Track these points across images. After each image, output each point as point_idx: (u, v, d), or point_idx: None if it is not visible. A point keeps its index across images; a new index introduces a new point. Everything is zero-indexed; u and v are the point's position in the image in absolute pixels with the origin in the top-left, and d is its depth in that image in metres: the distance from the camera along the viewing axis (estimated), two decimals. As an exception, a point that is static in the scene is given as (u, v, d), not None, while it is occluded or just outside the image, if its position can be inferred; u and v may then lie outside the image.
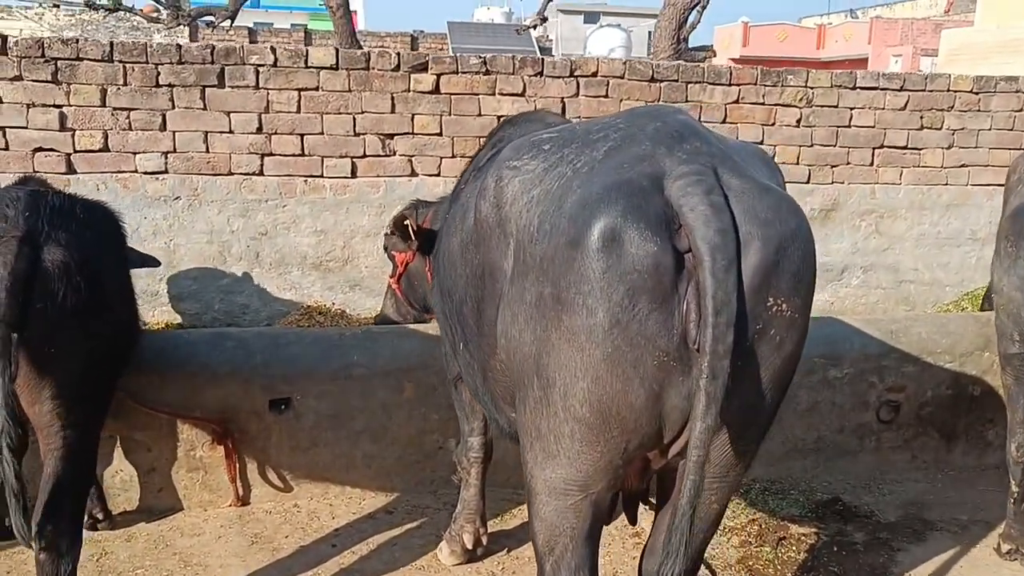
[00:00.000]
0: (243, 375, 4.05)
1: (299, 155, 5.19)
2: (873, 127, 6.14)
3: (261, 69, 5.05)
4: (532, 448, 2.22)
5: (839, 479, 4.53)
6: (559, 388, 2.08)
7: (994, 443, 4.61)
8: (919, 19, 29.91)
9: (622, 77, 5.59)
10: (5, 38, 4.84)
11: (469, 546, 3.72)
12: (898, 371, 4.54)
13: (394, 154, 5.30)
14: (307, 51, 5.14)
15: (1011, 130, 6.31)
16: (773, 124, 5.92)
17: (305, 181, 5.23)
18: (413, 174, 5.34)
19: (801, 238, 2.03)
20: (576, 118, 5.34)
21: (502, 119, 3.70)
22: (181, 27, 18.45)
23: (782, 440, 4.51)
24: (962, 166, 6.35)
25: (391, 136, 5.28)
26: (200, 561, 3.69)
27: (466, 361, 2.89)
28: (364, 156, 5.27)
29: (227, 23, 18.19)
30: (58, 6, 20.68)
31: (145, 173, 5.03)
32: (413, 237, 3.99)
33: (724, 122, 5.78)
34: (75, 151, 4.94)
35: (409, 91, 5.25)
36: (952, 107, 6.22)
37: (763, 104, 5.86)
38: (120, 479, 4.03)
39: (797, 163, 6.04)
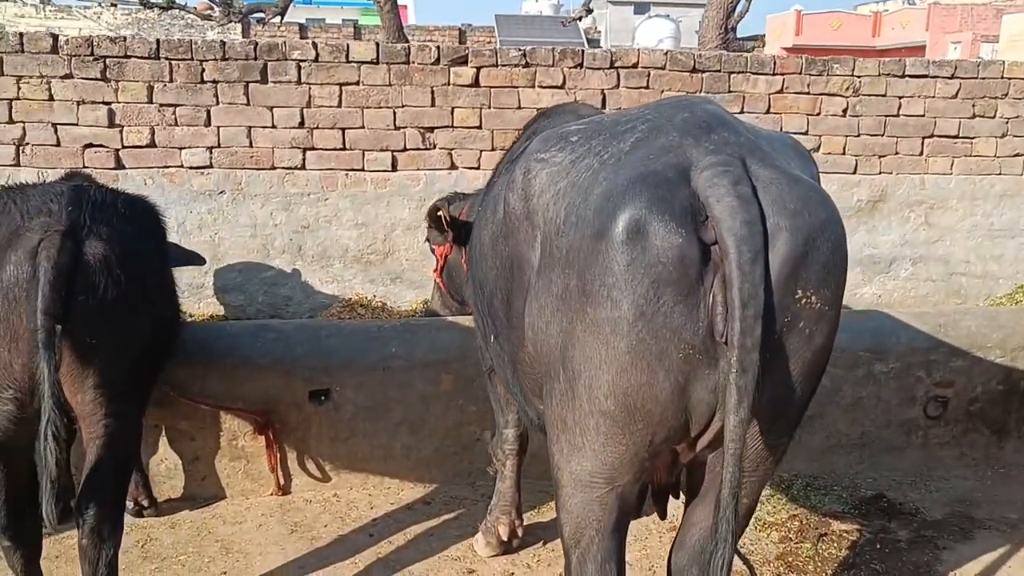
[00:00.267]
0: (284, 367, 4.11)
1: (340, 149, 5.24)
2: (923, 116, 5.99)
3: (303, 64, 5.11)
4: (558, 440, 2.22)
5: (884, 475, 4.44)
6: (584, 380, 2.07)
7: (1047, 440, 4.48)
8: (979, 4, 29.04)
9: (663, 68, 5.53)
10: (56, 37, 4.96)
11: (504, 538, 3.74)
12: (946, 366, 4.43)
13: (434, 147, 5.33)
14: (348, 46, 5.18)
15: (1069, 118, 6.12)
16: (818, 114, 5.81)
17: (346, 175, 5.28)
18: (453, 167, 5.36)
19: (831, 229, 2.00)
20: (616, 110, 5.30)
21: (538, 111, 3.69)
22: (233, 24, 18.79)
23: (825, 435, 4.44)
24: (1016, 155, 6.16)
25: (431, 129, 5.30)
26: (241, 548, 3.77)
27: (497, 353, 2.90)
28: (404, 149, 5.30)
29: (277, 19, 18.48)
30: (115, 5, 21.18)
31: (190, 168, 5.13)
32: (446, 227, 4.01)
33: (768, 112, 5.69)
34: (123, 147, 5.06)
35: (449, 84, 5.27)
36: (1006, 95, 6.04)
37: (808, 94, 5.75)
38: (165, 467, 4.13)
39: (843, 153, 5.92)
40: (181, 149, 5.12)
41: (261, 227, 5.25)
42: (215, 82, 5.07)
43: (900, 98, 5.92)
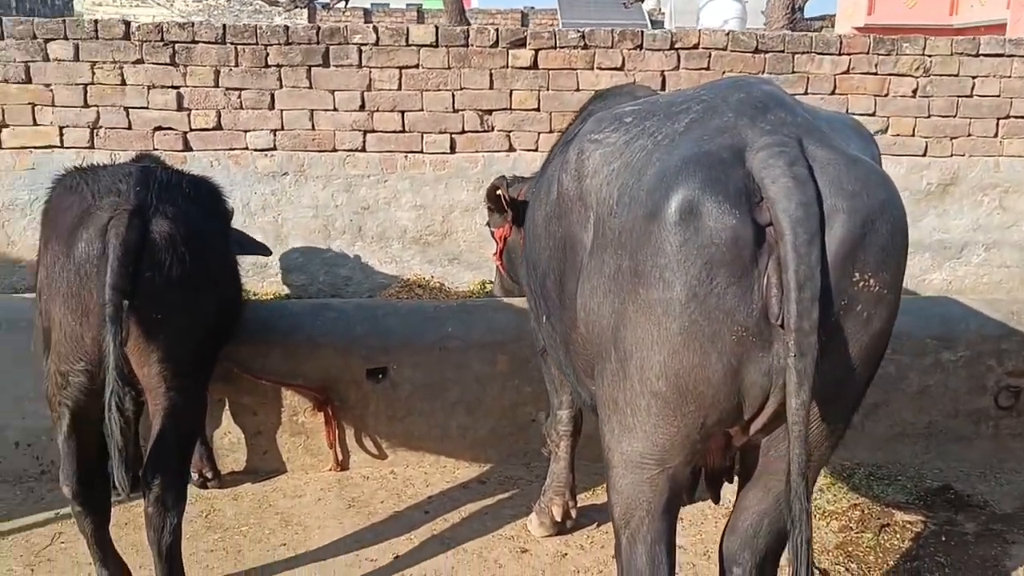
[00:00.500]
0: (343, 345, 4.19)
1: (400, 131, 5.29)
2: (998, 96, 5.78)
3: (364, 48, 5.17)
4: (609, 421, 2.22)
5: (951, 466, 4.33)
6: (636, 361, 2.07)
7: (1124, 433, 4.31)
8: (1067, -21, 27.71)
9: (724, 49, 5.44)
10: (128, 24, 5.11)
11: (558, 518, 3.75)
12: (1020, 355, 4.29)
13: (492, 129, 5.34)
14: (408, 29, 5.22)
15: None
16: (886, 95, 5.65)
17: (405, 157, 5.33)
18: (511, 149, 5.37)
19: (890, 211, 1.95)
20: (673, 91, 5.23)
21: (595, 92, 3.66)
22: (299, 9, 19.05)
23: (889, 423, 4.34)
24: (1098, 137, 5.91)
25: (489, 112, 5.31)
26: (300, 521, 3.86)
27: (549, 334, 2.91)
28: (463, 132, 5.33)
29: (342, 4, 18.68)
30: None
31: (255, 150, 5.24)
32: (505, 207, 4.02)
33: (832, 94, 5.56)
34: (191, 130, 5.19)
35: (507, 67, 5.27)
36: (1088, 74, 5.78)
37: (876, 74, 5.59)
38: (228, 441, 4.25)
39: (912, 135, 5.75)
40: (246, 132, 5.23)
41: (322, 208, 5.34)
42: (279, 66, 5.16)
43: (974, 78, 5.72)
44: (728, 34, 5.48)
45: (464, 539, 3.73)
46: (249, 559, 3.55)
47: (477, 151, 5.34)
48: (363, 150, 5.29)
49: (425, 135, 5.30)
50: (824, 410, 2.11)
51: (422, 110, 5.26)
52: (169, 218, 2.78)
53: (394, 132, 5.28)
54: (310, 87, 5.20)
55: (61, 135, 5.13)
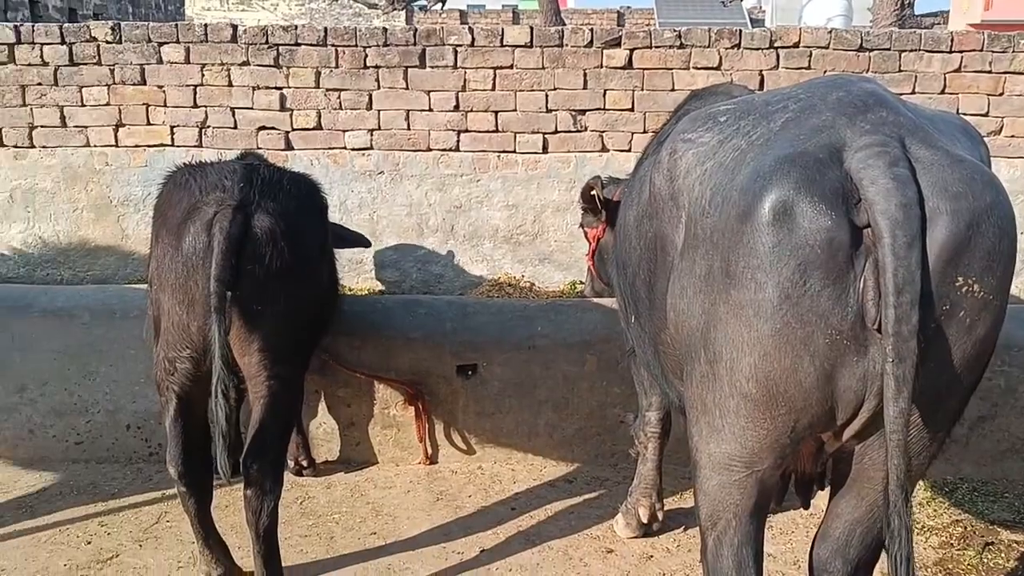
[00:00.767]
0: (434, 341, 4.27)
1: (493, 131, 5.34)
2: (1125, 95, 5.44)
3: (459, 49, 5.24)
4: (697, 422, 2.20)
5: (1063, 485, 4.13)
6: (726, 363, 2.05)
7: None
8: None
9: (827, 47, 5.29)
10: (235, 27, 5.31)
11: (644, 520, 3.74)
12: None
13: (585, 130, 5.34)
14: (503, 30, 5.26)
15: None
16: (1001, 94, 5.39)
17: (498, 156, 5.38)
18: (604, 150, 5.35)
19: (997, 213, 1.88)
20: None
21: (690, 92, 3.62)
22: (397, 11, 19.42)
23: (997, 438, 4.16)
24: None
25: (583, 112, 5.31)
26: (390, 512, 3.95)
27: (638, 334, 2.91)
28: (555, 132, 5.34)
29: (439, 6, 18.96)
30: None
31: (353, 149, 5.37)
32: (600, 207, 4.02)
33: (942, 93, 5.33)
34: (292, 129, 5.36)
35: (601, 67, 5.25)
36: None
37: (990, 72, 5.34)
38: (323, 431, 4.38)
39: (1028, 136, 5.47)
40: (344, 131, 5.37)
41: (416, 206, 5.44)
42: (377, 67, 5.28)
43: (1097, 76, 5.40)
44: (831, 32, 5.33)
45: (550, 536, 3.76)
46: (341, 546, 3.66)
47: (569, 151, 5.34)
48: (457, 150, 5.36)
49: (518, 135, 5.33)
50: (923, 419, 2.05)
51: (515, 110, 5.29)
52: (270, 213, 2.89)
53: (487, 132, 5.33)
54: (406, 88, 5.30)
55: (172, 134, 5.37)
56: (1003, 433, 4.15)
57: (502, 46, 5.24)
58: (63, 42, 5.27)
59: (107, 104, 5.34)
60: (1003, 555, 3.59)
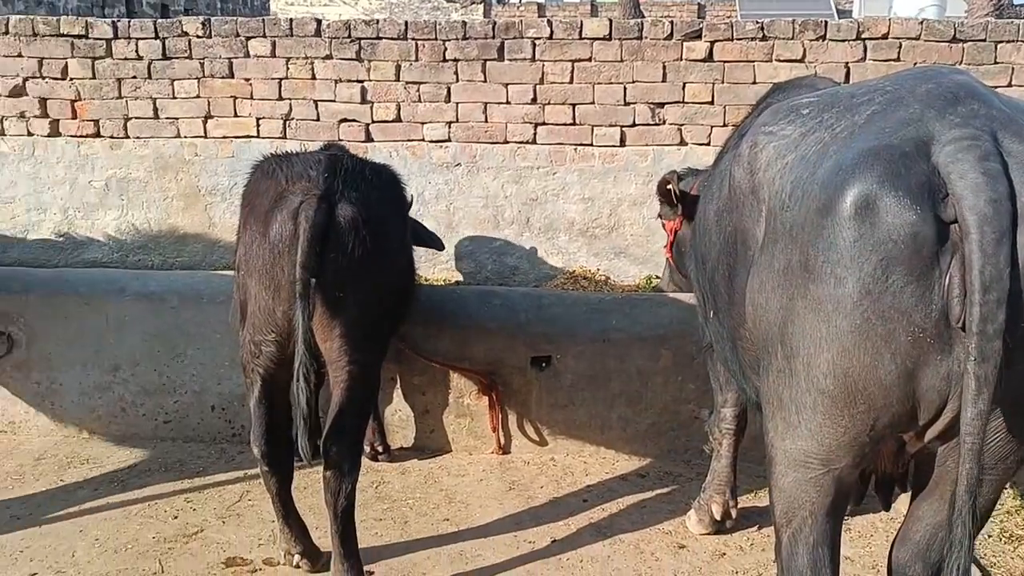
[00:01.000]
0: (508, 332, 4.31)
1: (570, 124, 5.34)
2: None
3: (538, 42, 5.25)
4: (774, 418, 2.18)
5: None
6: (803, 358, 2.03)
7: None
8: None
9: (917, 38, 5.13)
10: (319, 21, 5.44)
11: (717, 517, 3.71)
12: None
13: (663, 123, 5.30)
14: (581, 23, 5.26)
15: None
16: (1106, 86, 5.15)
17: (575, 149, 5.38)
18: (682, 143, 5.31)
19: (1093, 211, 1.81)
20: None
21: (773, 85, 3.57)
22: (475, 5, 19.55)
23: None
24: None
25: (661, 105, 5.27)
26: (463, 499, 4.01)
27: (716, 329, 2.89)
28: (633, 125, 5.31)
29: (516, -1, 19.00)
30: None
31: (431, 141, 5.45)
32: (675, 201, 4.01)
33: (1041, 85, 5.13)
34: (372, 121, 5.46)
35: (681, 59, 5.20)
36: None
37: (1095, 63, 5.11)
38: (399, 418, 4.47)
39: None
40: (423, 124, 5.45)
41: (492, 198, 5.48)
42: (456, 60, 5.33)
43: None
44: (922, 23, 5.16)
45: (621, 529, 3.77)
46: (414, 530, 3.73)
47: (647, 144, 5.31)
48: (533, 142, 5.38)
49: (595, 128, 5.32)
50: (1006, 424, 1.99)
51: (593, 103, 5.29)
52: (353, 203, 2.96)
53: (564, 125, 5.34)
54: (484, 81, 5.34)
55: (258, 126, 5.53)
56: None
57: (580, 39, 5.23)
58: (157, 37, 5.47)
59: (197, 96, 5.53)
60: (1095, 567, 3.45)
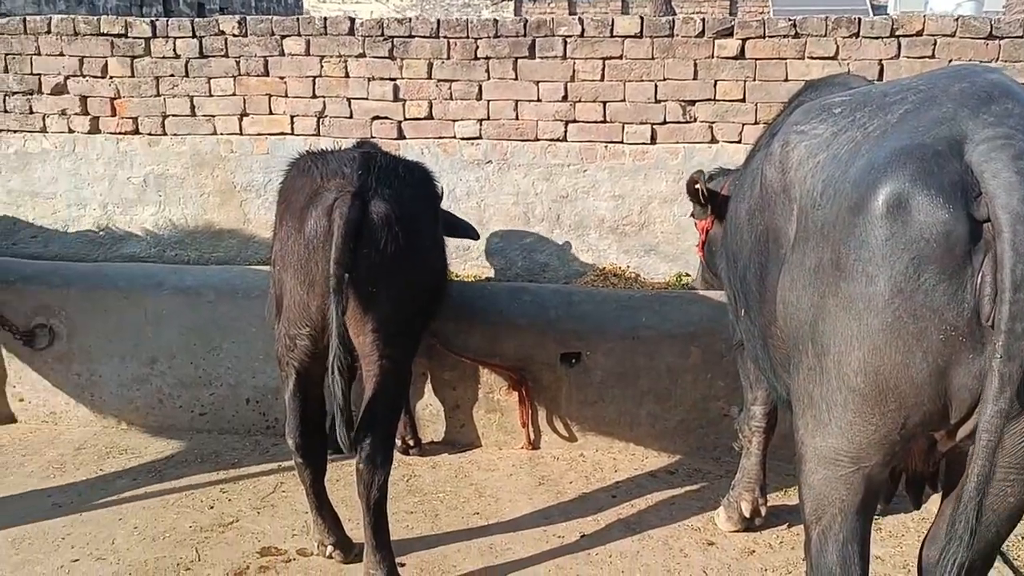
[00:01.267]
0: (538, 328, 4.34)
1: (601, 122, 5.36)
2: None
3: (569, 40, 5.27)
4: (804, 415, 2.19)
5: None
6: (833, 356, 2.04)
7: None
8: None
9: (952, 35, 5.08)
10: (353, 20, 5.50)
11: (746, 514, 3.72)
12: None
13: (694, 120, 5.29)
14: (612, 21, 5.26)
15: None
16: None
17: (605, 147, 5.39)
18: (713, 141, 5.30)
19: None
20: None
21: (805, 83, 3.56)
22: (506, 1, 19.58)
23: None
24: None
25: (692, 103, 5.27)
26: (493, 494, 4.05)
27: (747, 327, 2.90)
28: (664, 123, 5.32)
29: (547, -5, 19.01)
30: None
31: (462, 139, 5.49)
32: (702, 200, 4.02)
33: (1080, 81, 5.04)
34: (405, 119, 5.51)
35: (713, 57, 5.19)
36: None
37: None
38: (429, 412, 4.52)
39: None
40: (454, 121, 5.49)
41: (523, 195, 5.51)
42: (487, 58, 5.36)
43: None
44: (957, 19, 5.11)
45: (649, 525, 3.78)
46: (445, 523, 3.78)
47: (678, 142, 5.31)
48: (564, 140, 5.40)
49: (626, 126, 5.33)
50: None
51: (623, 100, 5.29)
52: (386, 200, 3.00)
53: (595, 122, 5.35)
54: (516, 78, 5.37)
55: (292, 123, 5.61)
56: None
57: (612, 37, 5.24)
58: (194, 36, 5.56)
59: (233, 94, 5.62)
60: None
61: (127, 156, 5.76)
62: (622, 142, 5.37)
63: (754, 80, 5.21)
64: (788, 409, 2.69)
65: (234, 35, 5.53)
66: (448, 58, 5.40)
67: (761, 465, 3.74)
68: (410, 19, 5.49)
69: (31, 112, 5.78)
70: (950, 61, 5.10)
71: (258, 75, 5.57)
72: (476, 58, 5.37)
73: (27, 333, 4.64)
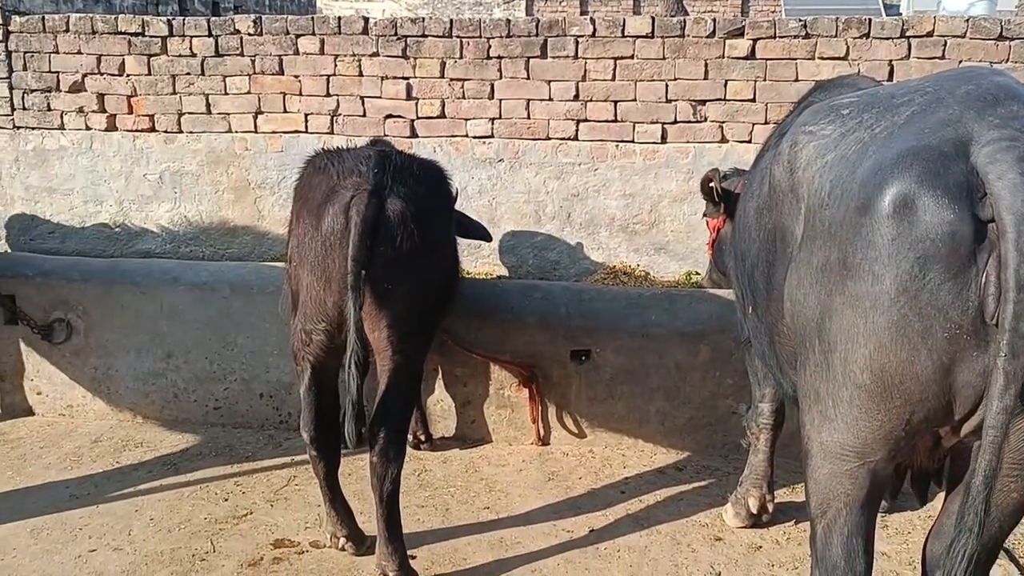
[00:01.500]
0: (549, 325, 4.39)
1: (612, 121, 5.39)
2: None
3: (580, 40, 5.31)
4: (810, 411, 2.23)
5: None
6: (840, 353, 2.08)
7: None
8: None
9: (963, 36, 5.10)
10: (367, 20, 5.55)
11: (754, 511, 3.75)
12: None
13: (705, 120, 5.32)
14: (624, 21, 5.30)
15: None
16: None
17: (616, 146, 5.43)
18: (723, 140, 5.33)
19: None
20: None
21: (815, 83, 3.59)
22: (517, 1, 19.60)
23: None
24: None
25: (703, 102, 5.30)
26: (503, 488, 4.10)
27: (754, 325, 2.94)
28: (675, 122, 5.35)
29: (558, -5, 19.03)
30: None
31: (474, 137, 5.53)
32: (716, 199, 4.05)
33: (1091, 83, 5.05)
34: (417, 117, 5.56)
35: (723, 57, 5.22)
36: None
37: None
38: (441, 408, 4.57)
39: None
40: (467, 120, 5.54)
41: (534, 194, 5.55)
42: (499, 58, 5.41)
43: None
44: (968, 20, 5.12)
45: (658, 521, 3.83)
46: (455, 517, 3.83)
47: (688, 141, 5.34)
48: (575, 139, 5.44)
49: (637, 125, 5.37)
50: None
51: (634, 100, 5.33)
52: (401, 198, 3.06)
53: (606, 122, 5.39)
54: (528, 78, 5.41)
55: (306, 121, 5.66)
56: None
57: (623, 36, 5.28)
58: (210, 35, 5.63)
59: (248, 93, 5.68)
60: None
61: (143, 153, 5.83)
62: (633, 141, 5.41)
63: (764, 80, 5.24)
64: (795, 406, 2.73)
65: (249, 34, 5.59)
66: (461, 57, 5.45)
67: (768, 462, 3.78)
68: (423, 19, 5.54)
69: (49, 109, 5.85)
70: (960, 62, 5.11)
71: (273, 74, 5.63)
72: (488, 57, 5.42)
73: (45, 327, 4.72)
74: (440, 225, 3.37)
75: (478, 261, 5.63)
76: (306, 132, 5.67)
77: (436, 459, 4.39)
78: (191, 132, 5.76)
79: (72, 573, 3.37)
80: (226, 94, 5.69)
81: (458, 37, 5.43)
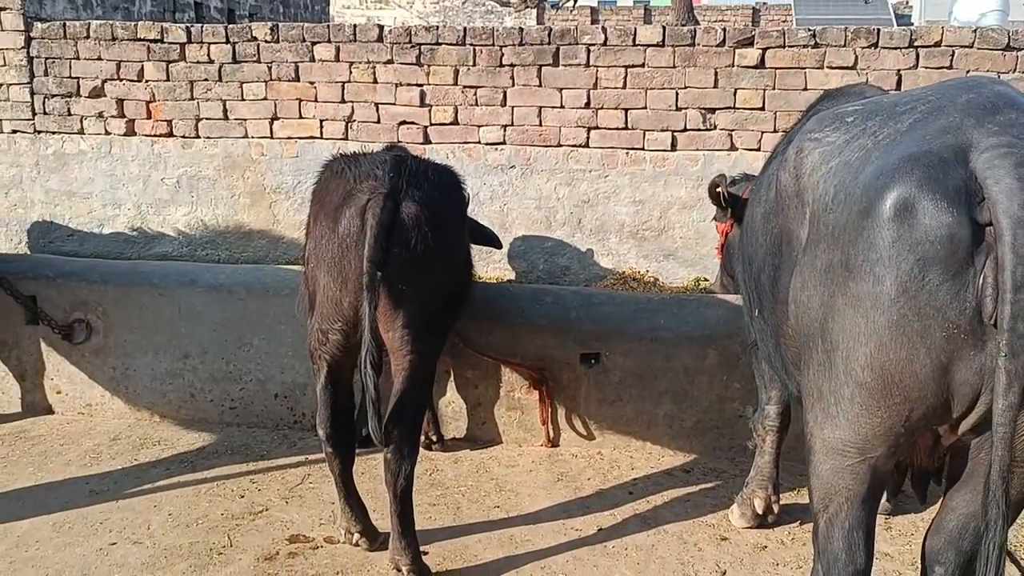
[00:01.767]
0: (559, 329, 4.46)
1: (622, 129, 5.47)
2: None
3: (592, 48, 5.39)
4: (813, 409, 2.30)
5: None
6: (842, 352, 2.15)
7: None
8: None
9: (971, 46, 5.16)
10: (382, 27, 5.65)
11: (760, 511, 3.81)
12: None
13: (714, 128, 5.40)
14: (635, 29, 5.38)
15: None
16: None
17: (626, 153, 5.51)
18: (732, 148, 5.40)
19: (1125, 217, 1.90)
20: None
21: (823, 92, 3.66)
22: (529, 9, 19.72)
23: None
24: None
25: (712, 111, 5.37)
26: (513, 488, 4.17)
27: (761, 327, 3.00)
28: (684, 130, 5.42)
29: (571, 3, 19.14)
30: (427, -6, 22.95)
31: (486, 144, 5.62)
32: (723, 203, 4.12)
33: (1097, 93, 5.10)
34: (431, 124, 5.66)
35: (733, 66, 5.30)
36: None
37: None
38: (452, 409, 4.65)
39: None
40: (479, 127, 5.62)
41: (545, 200, 5.64)
42: (512, 66, 5.50)
43: None
44: (975, 31, 5.18)
45: (665, 521, 3.88)
46: (466, 515, 3.90)
47: (698, 149, 5.42)
48: (586, 146, 5.53)
49: (647, 133, 5.45)
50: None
51: (645, 108, 5.41)
52: (416, 201, 3.14)
53: (617, 129, 5.47)
54: (540, 85, 5.50)
55: (321, 127, 5.77)
56: None
57: (634, 45, 5.36)
58: (227, 41, 5.74)
59: (264, 99, 5.78)
60: None
61: (161, 158, 5.94)
62: (643, 149, 5.49)
63: (773, 89, 5.31)
64: (799, 405, 2.80)
65: (266, 41, 5.70)
66: (474, 65, 5.54)
67: (774, 464, 3.83)
68: (437, 27, 5.63)
69: (69, 114, 5.98)
70: (968, 72, 5.17)
71: (289, 80, 5.73)
72: (501, 65, 5.51)
73: (65, 327, 4.81)
74: (453, 228, 3.45)
75: (490, 266, 5.71)
76: (321, 138, 5.77)
77: (447, 459, 4.46)
78: (208, 137, 5.87)
79: (94, 565, 3.45)
80: (243, 100, 5.80)
81: (471, 45, 5.53)
